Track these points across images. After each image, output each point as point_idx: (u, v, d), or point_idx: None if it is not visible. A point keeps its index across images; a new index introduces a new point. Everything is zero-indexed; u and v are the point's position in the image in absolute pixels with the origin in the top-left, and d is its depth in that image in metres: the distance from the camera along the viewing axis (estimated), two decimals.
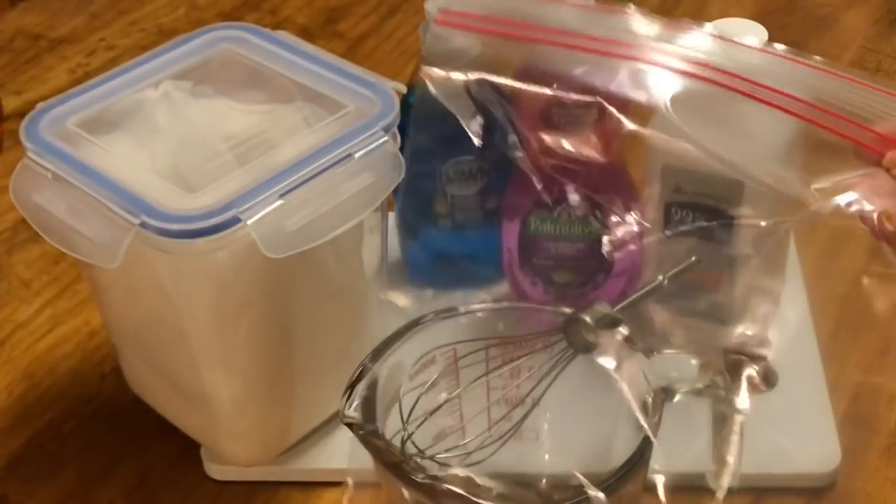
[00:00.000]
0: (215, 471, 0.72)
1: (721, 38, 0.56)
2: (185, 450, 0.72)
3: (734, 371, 0.59)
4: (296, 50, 0.70)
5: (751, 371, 0.59)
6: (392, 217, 0.77)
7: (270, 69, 0.70)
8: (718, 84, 0.54)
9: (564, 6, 0.60)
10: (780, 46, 0.53)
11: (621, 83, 0.57)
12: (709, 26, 0.59)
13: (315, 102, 0.67)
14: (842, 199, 0.51)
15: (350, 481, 0.58)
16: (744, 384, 0.58)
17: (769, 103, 0.53)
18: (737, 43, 0.56)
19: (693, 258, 0.63)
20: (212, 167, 0.64)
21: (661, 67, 0.56)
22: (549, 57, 0.60)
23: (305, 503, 0.71)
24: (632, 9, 0.60)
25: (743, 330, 0.71)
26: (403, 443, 0.59)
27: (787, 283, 0.76)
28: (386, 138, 0.64)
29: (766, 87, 0.53)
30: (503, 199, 0.74)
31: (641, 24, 0.58)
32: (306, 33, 1.08)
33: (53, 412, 0.76)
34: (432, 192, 0.76)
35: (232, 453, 0.70)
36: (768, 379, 0.70)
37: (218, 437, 0.70)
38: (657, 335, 0.68)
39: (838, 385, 0.75)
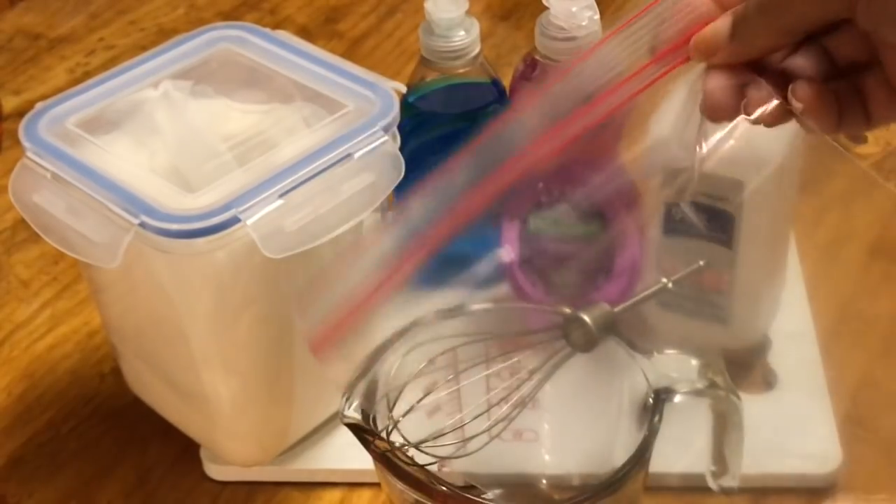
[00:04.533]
0: (215, 471, 0.72)
1: None
2: (185, 450, 0.72)
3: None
4: (295, 50, 0.70)
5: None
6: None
7: (270, 69, 0.70)
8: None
9: None
10: None
11: None
12: None
13: (315, 102, 0.67)
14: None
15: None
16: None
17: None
18: None
19: (700, 262, 0.63)
20: (211, 167, 0.64)
21: None
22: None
23: (305, 503, 0.71)
24: None
25: (743, 329, 0.72)
26: (389, 432, 0.59)
27: (787, 283, 0.76)
28: (386, 138, 0.64)
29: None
30: (503, 199, 0.74)
31: None
32: (306, 33, 1.08)
33: (53, 412, 0.76)
34: None
35: (232, 453, 0.70)
36: (768, 379, 0.70)
37: (217, 437, 0.70)
38: (657, 335, 0.68)
39: (838, 385, 0.75)
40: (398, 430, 0.60)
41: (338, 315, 0.56)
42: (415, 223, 0.55)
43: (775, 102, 0.51)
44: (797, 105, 0.50)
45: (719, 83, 0.52)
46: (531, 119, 0.55)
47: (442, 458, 0.60)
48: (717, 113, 0.52)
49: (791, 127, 0.70)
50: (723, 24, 0.51)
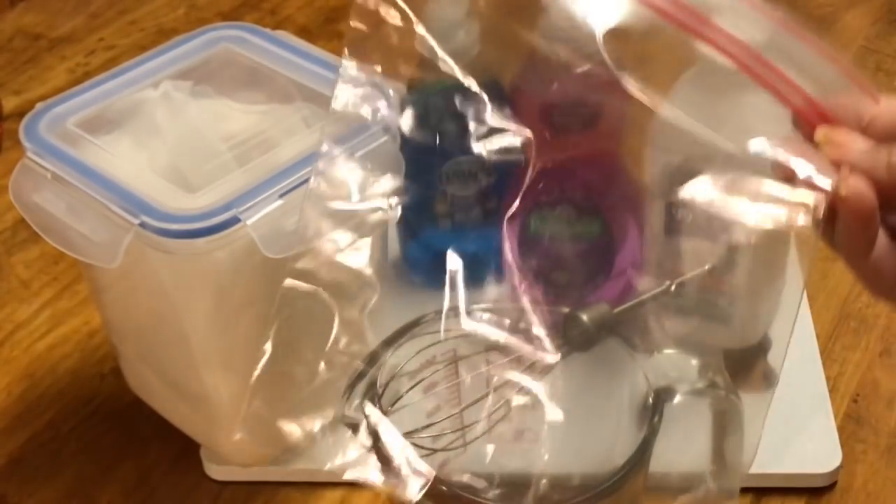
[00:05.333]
0: (215, 471, 0.72)
1: None
2: (185, 450, 0.72)
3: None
4: (296, 50, 0.70)
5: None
6: None
7: (270, 69, 0.70)
8: (663, 12, 0.52)
9: None
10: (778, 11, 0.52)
11: None
12: None
13: (315, 102, 0.67)
14: (757, 145, 0.52)
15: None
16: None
17: (711, 41, 0.52)
18: None
19: (707, 266, 0.63)
20: (211, 167, 0.64)
21: None
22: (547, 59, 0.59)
23: (305, 503, 0.71)
24: None
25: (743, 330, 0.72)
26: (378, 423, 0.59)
27: (787, 283, 0.76)
28: (386, 138, 0.64)
29: (715, 27, 0.52)
30: (503, 199, 0.74)
31: None
32: (306, 33, 1.08)
33: (53, 412, 0.76)
34: (432, 192, 0.76)
35: (231, 453, 0.70)
36: (768, 379, 0.70)
37: (218, 437, 0.70)
38: (657, 335, 0.68)
39: (838, 385, 0.75)
40: (388, 418, 0.59)
41: None
42: None
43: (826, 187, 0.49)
44: (842, 187, 0.48)
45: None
46: None
47: (435, 451, 0.60)
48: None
49: (792, 127, 0.70)
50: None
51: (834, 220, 0.49)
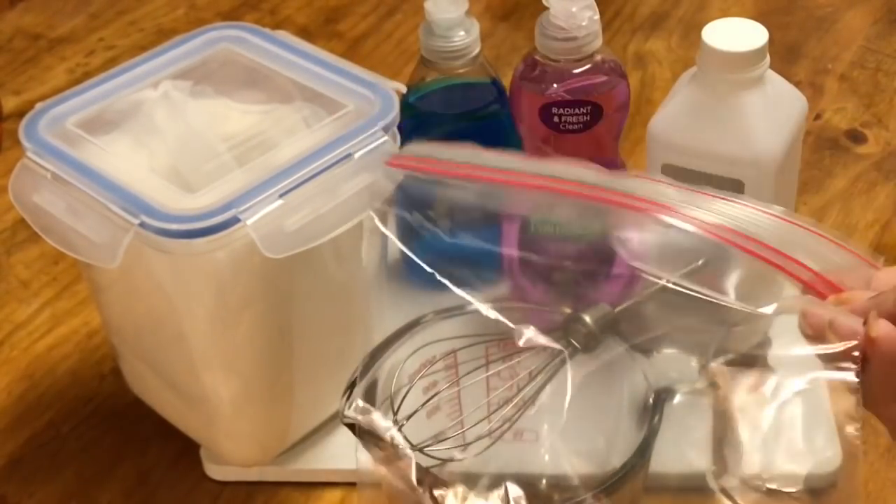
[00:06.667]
0: (215, 471, 0.72)
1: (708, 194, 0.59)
2: (185, 450, 0.72)
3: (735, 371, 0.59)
4: (295, 50, 0.70)
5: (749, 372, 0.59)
6: None
7: (270, 69, 0.70)
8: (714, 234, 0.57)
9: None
10: (777, 208, 0.57)
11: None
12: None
13: (315, 102, 0.67)
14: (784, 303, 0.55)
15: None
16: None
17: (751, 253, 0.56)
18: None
19: (700, 261, 0.63)
20: (211, 167, 0.64)
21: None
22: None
23: (305, 503, 0.71)
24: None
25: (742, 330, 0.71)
26: (392, 435, 0.59)
27: (787, 284, 0.76)
28: (386, 138, 0.64)
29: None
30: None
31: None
32: (306, 33, 1.08)
33: (53, 412, 0.76)
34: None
35: (231, 453, 0.70)
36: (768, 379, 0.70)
37: (217, 437, 0.70)
38: (657, 335, 0.68)
39: (838, 385, 0.75)
40: (402, 432, 0.59)
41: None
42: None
43: (854, 343, 0.51)
44: (871, 329, 0.50)
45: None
46: None
47: (444, 461, 0.60)
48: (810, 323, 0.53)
49: (791, 127, 0.70)
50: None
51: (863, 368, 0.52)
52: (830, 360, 0.52)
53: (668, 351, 0.61)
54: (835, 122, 0.96)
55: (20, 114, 0.70)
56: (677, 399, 0.58)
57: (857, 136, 0.95)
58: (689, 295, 0.58)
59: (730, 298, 0.56)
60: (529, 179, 0.60)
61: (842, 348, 0.52)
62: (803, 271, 0.54)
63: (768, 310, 0.55)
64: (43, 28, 1.12)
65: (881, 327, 0.50)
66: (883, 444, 0.72)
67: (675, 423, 0.58)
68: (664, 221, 0.57)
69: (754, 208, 0.57)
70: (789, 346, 0.55)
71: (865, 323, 0.51)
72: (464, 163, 0.61)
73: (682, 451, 0.59)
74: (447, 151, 0.62)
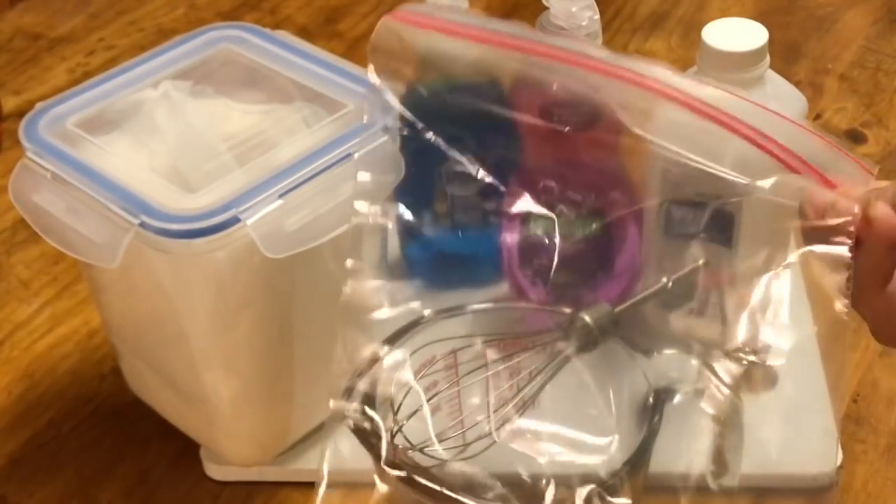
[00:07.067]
0: (215, 471, 0.72)
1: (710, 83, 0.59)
2: (185, 450, 0.72)
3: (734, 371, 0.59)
4: (295, 50, 0.70)
5: (750, 371, 0.59)
6: None
7: (270, 69, 0.70)
8: (710, 116, 0.57)
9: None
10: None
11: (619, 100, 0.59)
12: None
13: (315, 102, 0.67)
14: (783, 180, 0.56)
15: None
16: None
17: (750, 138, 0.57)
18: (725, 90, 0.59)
19: (700, 261, 0.63)
20: (211, 167, 0.64)
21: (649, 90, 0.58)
22: (545, 69, 0.61)
23: (305, 503, 0.71)
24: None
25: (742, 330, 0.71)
26: (393, 435, 0.59)
27: (787, 283, 0.76)
28: (385, 138, 0.64)
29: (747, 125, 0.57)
30: (503, 198, 0.74)
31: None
32: (306, 33, 1.08)
33: (53, 412, 0.76)
34: (432, 192, 0.76)
35: (231, 453, 0.70)
36: (768, 379, 0.70)
37: (217, 437, 0.70)
38: (657, 335, 0.68)
39: (838, 385, 0.75)
40: (402, 433, 0.59)
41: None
42: None
43: (849, 218, 0.52)
44: (870, 210, 0.51)
45: None
46: None
47: (445, 461, 0.60)
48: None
49: (790, 126, 0.70)
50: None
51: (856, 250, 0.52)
52: (825, 236, 0.53)
53: (668, 351, 0.61)
54: (835, 122, 0.96)
55: (20, 114, 0.70)
56: (677, 399, 0.58)
57: (857, 136, 0.95)
58: (687, 168, 0.58)
59: (727, 170, 0.57)
60: (535, 46, 0.60)
61: (838, 222, 0.53)
62: (804, 168, 0.56)
63: (765, 183, 0.56)
64: (43, 28, 1.12)
65: (879, 208, 0.51)
66: (883, 444, 0.72)
67: (675, 423, 0.58)
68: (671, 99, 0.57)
69: (763, 107, 0.57)
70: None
71: None
72: (467, 23, 0.61)
73: (682, 451, 0.59)
74: (452, 13, 0.62)
